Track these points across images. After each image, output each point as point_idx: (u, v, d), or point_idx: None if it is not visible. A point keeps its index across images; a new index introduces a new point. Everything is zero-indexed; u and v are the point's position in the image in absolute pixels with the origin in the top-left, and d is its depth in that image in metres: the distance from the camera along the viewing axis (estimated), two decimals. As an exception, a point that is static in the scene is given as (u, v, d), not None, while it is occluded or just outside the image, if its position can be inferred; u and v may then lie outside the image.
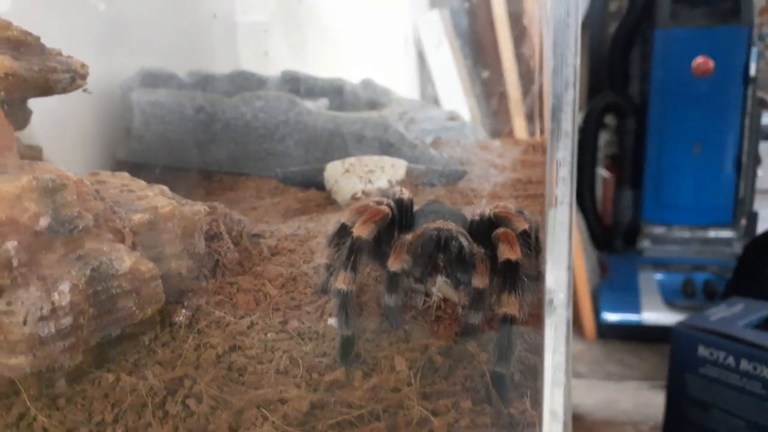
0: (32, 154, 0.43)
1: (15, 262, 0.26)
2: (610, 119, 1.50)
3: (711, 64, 1.19)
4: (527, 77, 1.14)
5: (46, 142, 0.46)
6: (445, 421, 0.24)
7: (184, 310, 0.33)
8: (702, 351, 0.72)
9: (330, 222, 0.42)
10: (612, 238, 1.46)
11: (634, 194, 1.42)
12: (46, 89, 0.38)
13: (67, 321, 0.27)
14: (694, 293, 1.24)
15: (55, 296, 0.27)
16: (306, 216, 0.51)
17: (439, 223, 0.30)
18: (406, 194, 0.35)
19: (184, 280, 0.35)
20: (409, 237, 0.29)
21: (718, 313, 0.75)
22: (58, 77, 0.38)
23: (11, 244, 0.26)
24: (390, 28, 1.14)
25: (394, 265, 0.27)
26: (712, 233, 1.32)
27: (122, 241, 0.32)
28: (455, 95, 1.22)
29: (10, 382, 0.27)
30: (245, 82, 0.97)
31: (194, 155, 0.74)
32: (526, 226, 0.30)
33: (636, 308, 1.27)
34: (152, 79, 0.78)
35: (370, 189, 0.54)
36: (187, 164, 0.74)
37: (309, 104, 0.85)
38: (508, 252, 0.27)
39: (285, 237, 0.43)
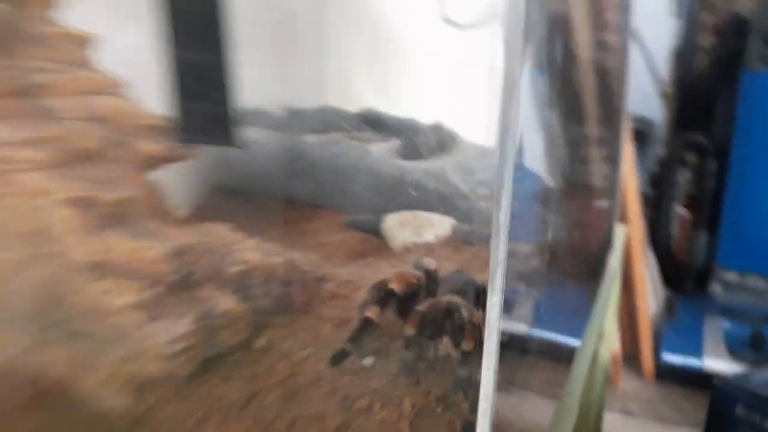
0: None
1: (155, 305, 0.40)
2: (692, 157, 1.49)
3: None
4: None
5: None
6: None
7: (263, 340, 0.46)
8: (740, 411, 0.73)
9: (381, 271, 0.54)
10: (683, 279, 1.45)
11: (710, 236, 1.40)
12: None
13: (185, 344, 0.40)
14: (762, 347, 1.21)
15: (178, 328, 0.39)
16: (364, 260, 0.63)
17: (447, 298, 0.41)
18: (432, 265, 0.46)
19: (264, 316, 0.47)
20: (423, 307, 0.40)
21: (764, 375, 0.76)
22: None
23: (149, 292, 0.40)
24: (477, 66, 1.22)
25: (409, 330, 0.38)
26: (789, 286, 1.29)
27: (222, 287, 0.44)
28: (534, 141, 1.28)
29: (149, 380, 0.40)
30: (330, 117, 1.10)
31: (281, 186, 0.88)
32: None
33: (698, 353, 1.25)
34: (247, 116, 0.93)
35: (420, 241, 0.65)
36: (275, 193, 0.88)
37: (382, 146, 0.97)
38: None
39: (343, 282, 0.55)
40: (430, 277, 0.45)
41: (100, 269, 0.39)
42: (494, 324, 0.31)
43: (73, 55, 0.50)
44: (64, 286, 0.39)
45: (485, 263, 0.61)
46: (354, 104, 1.18)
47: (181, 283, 0.40)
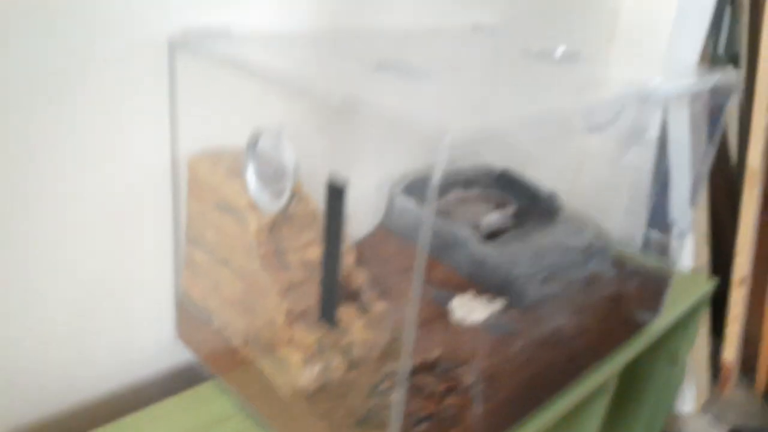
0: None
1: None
2: None
3: None
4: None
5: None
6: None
7: (353, 374, 1.01)
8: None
9: (431, 339, 1.05)
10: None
11: None
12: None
13: (315, 377, 0.97)
14: None
15: (315, 369, 0.96)
16: (429, 326, 1.14)
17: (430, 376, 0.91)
18: (435, 354, 0.97)
19: (357, 362, 1.02)
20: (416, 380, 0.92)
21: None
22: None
23: (308, 355, 0.96)
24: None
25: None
26: None
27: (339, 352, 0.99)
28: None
29: (299, 388, 0.98)
30: (475, 174, 1.55)
31: (440, 250, 1.38)
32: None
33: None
34: (414, 185, 1.42)
35: (465, 322, 1.14)
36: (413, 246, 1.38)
37: (498, 214, 1.41)
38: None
39: None
40: (432, 360, 0.96)
41: (290, 341, 0.97)
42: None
43: (305, 221, 1.04)
44: (276, 341, 0.98)
45: (476, 351, 1.08)
46: (497, 165, 1.59)
47: (320, 352, 0.97)
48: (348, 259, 1.07)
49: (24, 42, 0.68)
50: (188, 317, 1.12)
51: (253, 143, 0.82)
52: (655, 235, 1.42)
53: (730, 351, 2.17)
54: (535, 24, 1.38)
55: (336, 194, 0.73)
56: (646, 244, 1.43)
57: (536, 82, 1.00)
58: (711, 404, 2.07)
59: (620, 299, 1.42)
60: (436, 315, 1.16)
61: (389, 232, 1.41)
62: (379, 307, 1.06)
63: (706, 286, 1.52)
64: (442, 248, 1.35)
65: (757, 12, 2.05)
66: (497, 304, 1.18)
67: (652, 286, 1.39)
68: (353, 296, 1.07)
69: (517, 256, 1.30)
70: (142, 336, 1.06)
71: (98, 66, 0.78)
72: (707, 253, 2.12)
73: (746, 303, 2.17)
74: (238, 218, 0.97)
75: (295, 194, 0.83)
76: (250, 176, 0.84)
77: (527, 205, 1.50)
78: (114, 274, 0.97)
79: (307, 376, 0.95)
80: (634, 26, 1.60)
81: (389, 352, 1.06)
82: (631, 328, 1.33)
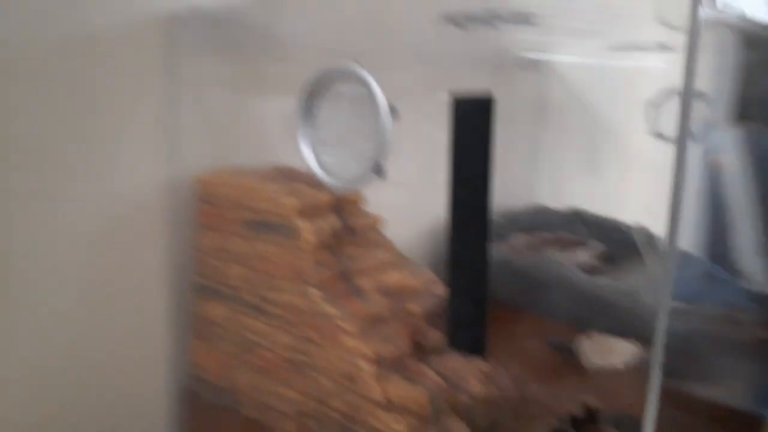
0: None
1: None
2: None
3: None
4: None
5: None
6: None
7: None
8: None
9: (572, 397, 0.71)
10: None
11: None
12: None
13: None
14: None
15: None
16: (561, 381, 0.80)
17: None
18: (594, 404, 0.63)
19: None
20: None
21: None
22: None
23: (415, 423, 0.61)
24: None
25: None
26: None
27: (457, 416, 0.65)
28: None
29: None
30: (541, 217, 1.28)
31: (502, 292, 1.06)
32: None
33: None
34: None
35: (606, 364, 0.80)
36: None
37: (585, 253, 1.11)
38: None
39: (543, 405, 0.72)
40: (591, 413, 0.62)
41: (387, 404, 0.61)
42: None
43: (373, 238, 0.74)
44: (359, 409, 0.63)
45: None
46: (563, 204, 1.34)
47: (434, 417, 0.62)
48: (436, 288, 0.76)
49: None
50: (201, 407, 0.76)
51: (307, 98, 0.55)
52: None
53: None
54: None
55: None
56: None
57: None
58: None
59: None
60: (561, 362, 0.83)
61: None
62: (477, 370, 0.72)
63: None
64: (525, 290, 1.04)
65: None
66: (632, 345, 0.85)
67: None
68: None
69: (639, 289, 0.99)
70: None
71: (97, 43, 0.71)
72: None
73: None
74: (283, 234, 0.67)
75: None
76: (305, 146, 0.56)
77: (615, 242, 1.23)
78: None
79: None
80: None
81: (522, 412, 0.71)
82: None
